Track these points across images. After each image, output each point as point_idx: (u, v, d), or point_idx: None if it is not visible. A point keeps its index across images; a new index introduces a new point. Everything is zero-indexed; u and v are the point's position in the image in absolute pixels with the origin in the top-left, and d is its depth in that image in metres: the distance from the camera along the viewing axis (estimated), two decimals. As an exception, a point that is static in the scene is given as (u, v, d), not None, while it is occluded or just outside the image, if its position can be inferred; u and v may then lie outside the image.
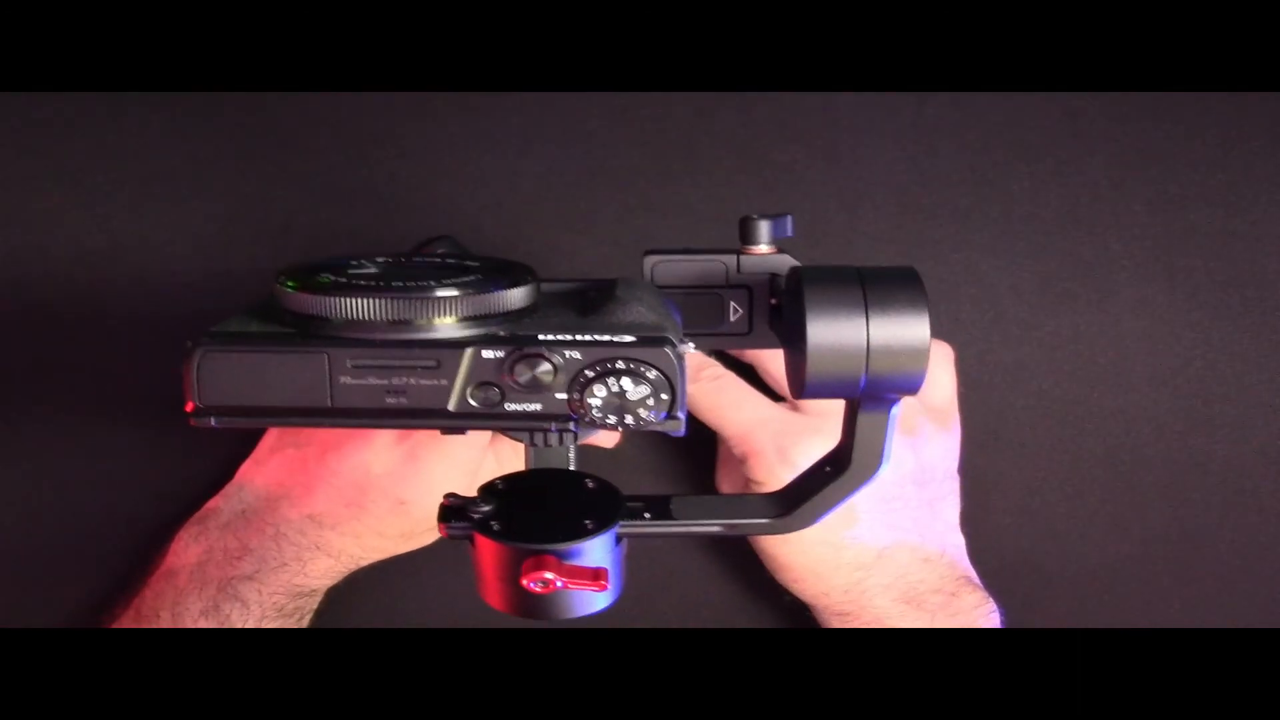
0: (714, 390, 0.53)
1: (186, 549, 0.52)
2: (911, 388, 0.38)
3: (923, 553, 0.52)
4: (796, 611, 0.56)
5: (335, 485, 0.51)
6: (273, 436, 0.55)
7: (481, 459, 0.52)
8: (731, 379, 0.54)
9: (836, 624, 0.53)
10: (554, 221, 0.59)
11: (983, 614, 0.52)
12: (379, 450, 0.51)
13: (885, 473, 0.52)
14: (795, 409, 0.52)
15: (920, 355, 0.37)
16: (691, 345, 0.45)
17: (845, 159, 0.59)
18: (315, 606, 0.54)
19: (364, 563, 0.54)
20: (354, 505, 0.51)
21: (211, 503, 0.54)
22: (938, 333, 0.50)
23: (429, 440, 0.51)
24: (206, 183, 0.58)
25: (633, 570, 0.43)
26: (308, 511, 0.52)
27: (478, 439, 0.52)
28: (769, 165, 0.59)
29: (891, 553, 0.52)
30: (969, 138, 0.59)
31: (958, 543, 0.55)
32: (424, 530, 0.53)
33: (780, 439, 0.51)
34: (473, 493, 0.51)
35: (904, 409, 0.52)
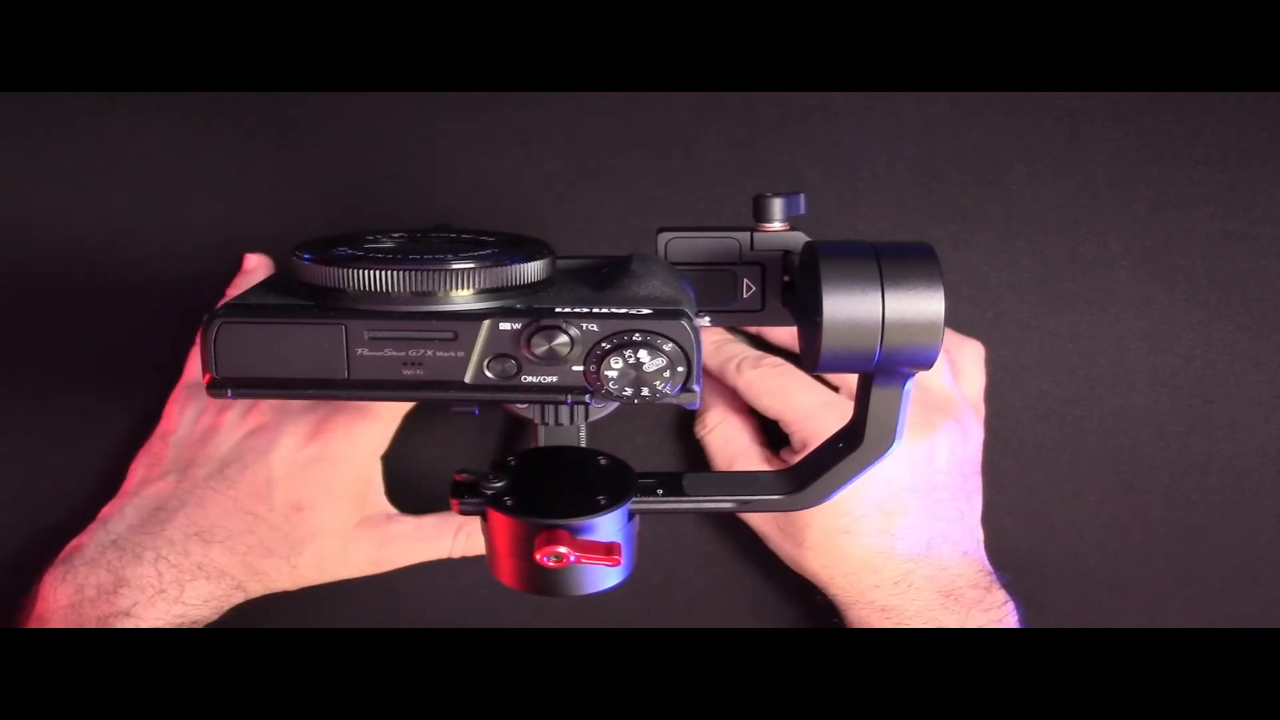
0: (778, 374, 0.54)
1: (54, 592, 0.50)
2: (926, 362, 0.38)
3: (961, 546, 0.53)
4: (824, 612, 0.56)
5: (231, 495, 0.51)
6: (140, 470, 0.54)
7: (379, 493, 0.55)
8: (791, 366, 0.54)
9: (877, 621, 0.52)
10: (553, 222, 0.59)
11: (1007, 611, 0.52)
12: (284, 453, 0.52)
13: (940, 461, 0.52)
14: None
15: (935, 329, 0.37)
16: (707, 320, 0.45)
17: (845, 159, 0.59)
18: None
19: (242, 593, 0.53)
20: (250, 514, 0.51)
21: (75, 542, 0.53)
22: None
23: (340, 439, 0.52)
24: (206, 183, 0.58)
25: (638, 570, 0.43)
26: (196, 528, 0.51)
27: (381, 440, 0.54)
28: (769, 165, 0.59)
29: (937, 545, 0.52)
30: (969, 138, 0.59)
31: (980, 538, 0.55)
32: (309, 553, 0.52)
33: None
34: (365, 502, 0.53)
35: (949, 401, 0.53)
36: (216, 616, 0.53)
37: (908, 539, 0.52)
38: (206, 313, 0.37)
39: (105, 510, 0.54)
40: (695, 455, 0.60)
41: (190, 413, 0.54)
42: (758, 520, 0.56)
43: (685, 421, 0.59)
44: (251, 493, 0.52)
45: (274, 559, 0.52)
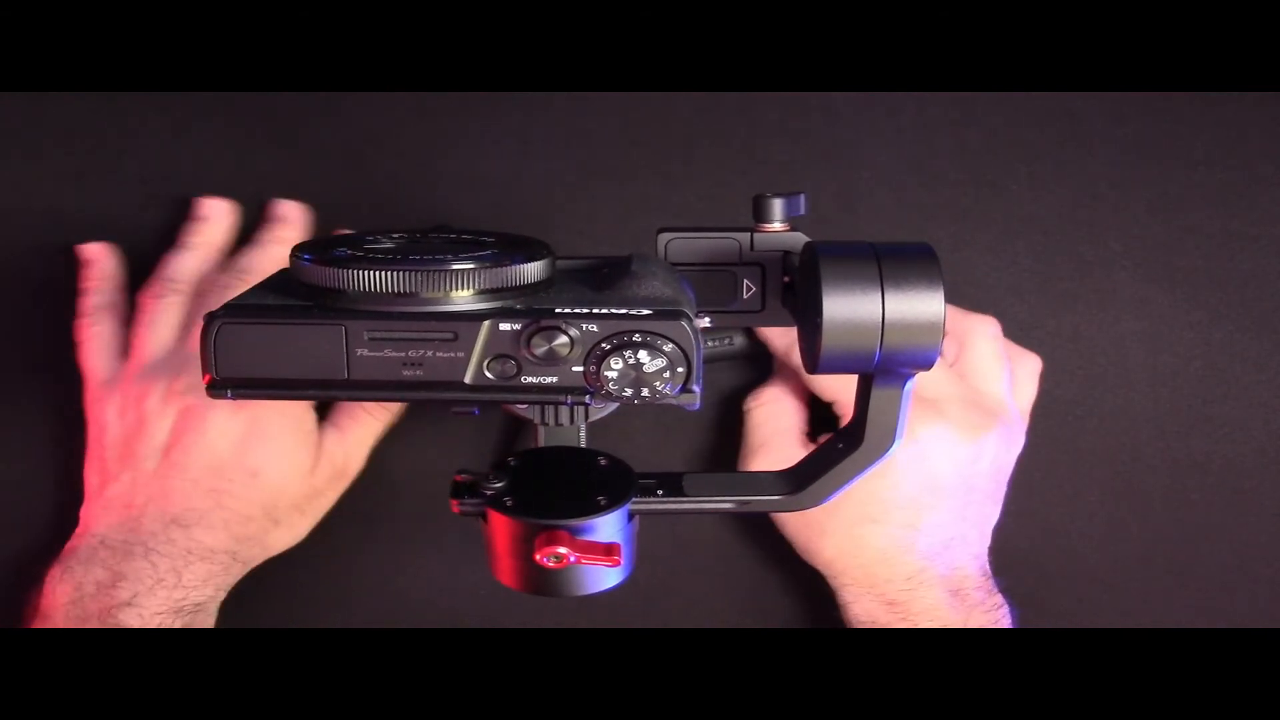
0: (773, 415, 0.55)
1: (54, 591, 0.51)
2: (925, 363, 0.38)
3: (975, 548, 0.53)
4: (824, 608, 0.55)
5: (188, 478, 0.52)
6: (94, 476, 0.54)
7: (314, 427, 0.54)
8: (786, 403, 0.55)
9: (883, 615, 0.52)
10: (553, 222, 0.59)
11: (1002, 614, 0.52)
12: (220, 426, 0.52)
13: (983, 464, 0.53)
14: None
15: (934, 330, 0.37)
16: (707, 320, 0.45)
17: (845, 159, 0.59)
18: (210, 625, 0.53)
19: (241, 562, 0.53)
20: (212, 491, 0.52)
21: (68, 545, 0.53)
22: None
23: (269, 408, 0.52)
24: (206, 183, 0.58)
25: (638, 570, 0.43)
26: (170, 517, 0.51)
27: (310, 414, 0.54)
28: (769, 165, 0.59)
29: (955, 545, 0.52)
30: (969, 138, 0.59)
31: (989, 544, 0.55)
32: (285, 506, 0.53)
33: None
34: (311, 444, 0.52)
35: (1003, 407, 0.53)
36: (222, 594, 0.53)
37: (930, 536, 0.52)
38: (207, 313, 0.37)
39: (83, 514, 0.54)
40: (696, 455, 0.60)
41: (112, 410, 0.54)
42: None
43: (686, 422, 0.59)
44: (204, 471, 0.52)
45: (255, 522, 0.53)
